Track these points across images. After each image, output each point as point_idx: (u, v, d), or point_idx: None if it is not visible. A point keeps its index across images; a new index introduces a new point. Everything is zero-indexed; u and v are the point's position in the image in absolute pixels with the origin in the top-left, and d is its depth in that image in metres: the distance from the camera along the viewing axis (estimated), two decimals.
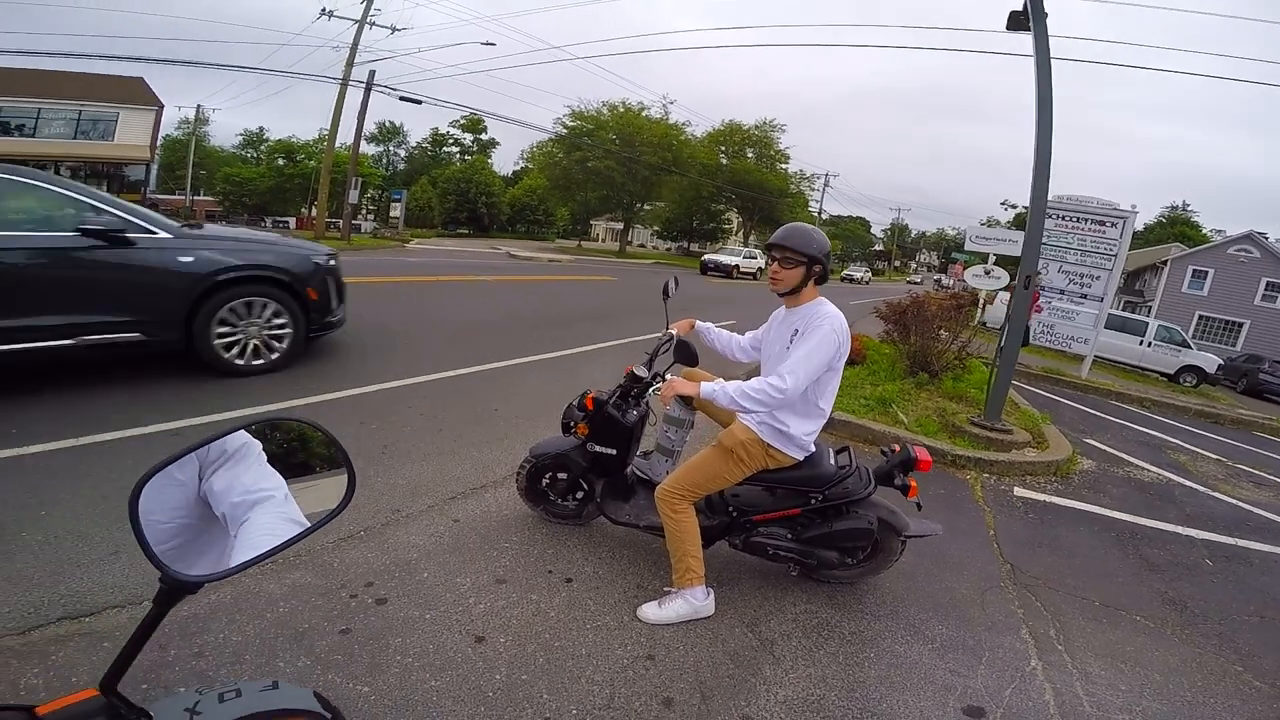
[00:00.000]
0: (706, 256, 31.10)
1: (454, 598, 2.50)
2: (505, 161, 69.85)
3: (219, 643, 2.07)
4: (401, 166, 66.23)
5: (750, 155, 43.01)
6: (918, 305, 8.29)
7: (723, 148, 42.93)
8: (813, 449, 2.62)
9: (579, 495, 3.14)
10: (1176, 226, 52.25)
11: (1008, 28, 6.50)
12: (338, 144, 25.27)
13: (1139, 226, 12.37)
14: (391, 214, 30.13)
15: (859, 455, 2.92)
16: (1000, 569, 3.58)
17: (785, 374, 2.29)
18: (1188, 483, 6.14)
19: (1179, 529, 4.74)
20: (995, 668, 2.64)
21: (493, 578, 2.67)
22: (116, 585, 2.31)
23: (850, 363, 2.98)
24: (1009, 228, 12.79)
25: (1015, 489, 5.06)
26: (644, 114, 36.32)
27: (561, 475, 3.10)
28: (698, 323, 3.08)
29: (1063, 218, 11.50)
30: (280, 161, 48.36)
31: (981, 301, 15.79)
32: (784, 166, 43.91)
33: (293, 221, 36.47)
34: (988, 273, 11.14)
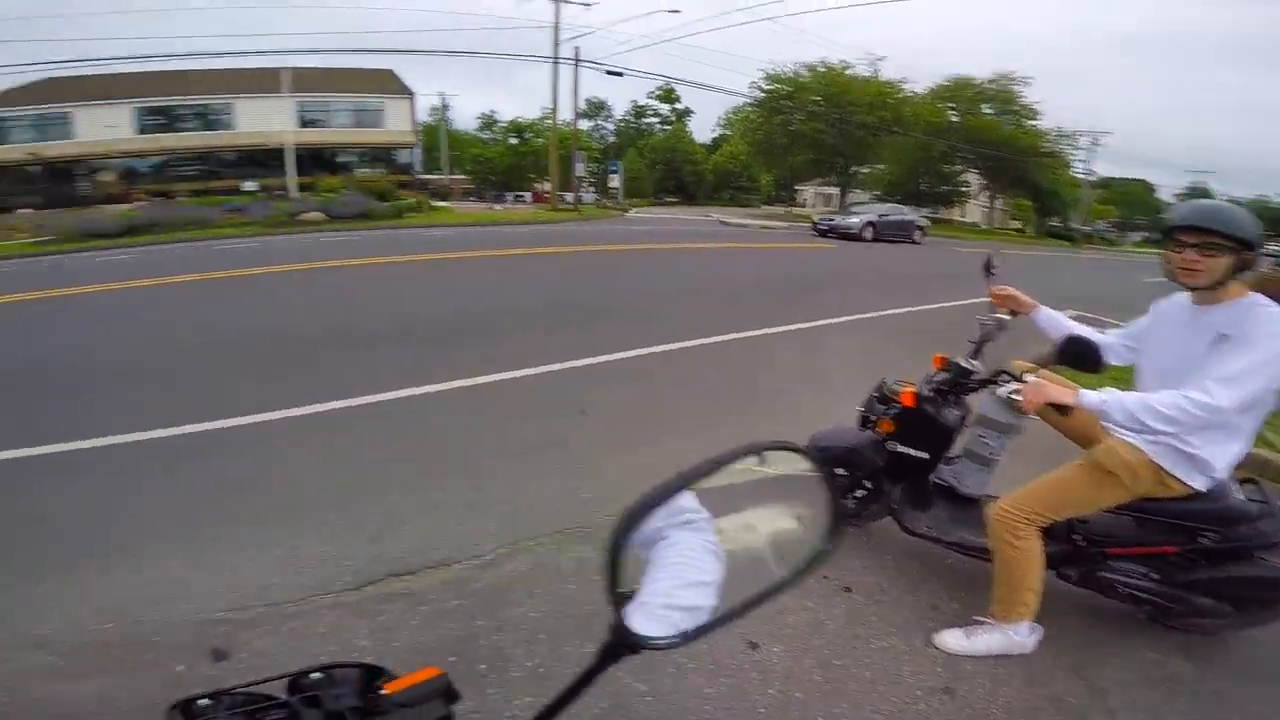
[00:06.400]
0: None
1: None
2: (702, 128, 70.63)
3: (518, 618, 2.10)
4: (611, 140, 69.91)
5: (989, 111, 37.56)
6: None
7: (951, 104, 38.18)
8: (1221, 479, 2.02)
9: (858, 494, 2.74)
10: None
11: None
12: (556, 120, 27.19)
13: None
14: (610, 184, 32.63)
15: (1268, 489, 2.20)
16: None
17: (1218, 389, 1.72)
18: None
19: None
20: None
21: None
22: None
23: None
24: None
25: None
26: (848, 72, 33.52)
27: (842, 471, 2.69)
28: (1042, 308, 2.39)
29: None
30: (513, 140, 53.00)
31: None
32: (1034, 123, 37.45)
33: (529, 195, 40.02)
34: None
